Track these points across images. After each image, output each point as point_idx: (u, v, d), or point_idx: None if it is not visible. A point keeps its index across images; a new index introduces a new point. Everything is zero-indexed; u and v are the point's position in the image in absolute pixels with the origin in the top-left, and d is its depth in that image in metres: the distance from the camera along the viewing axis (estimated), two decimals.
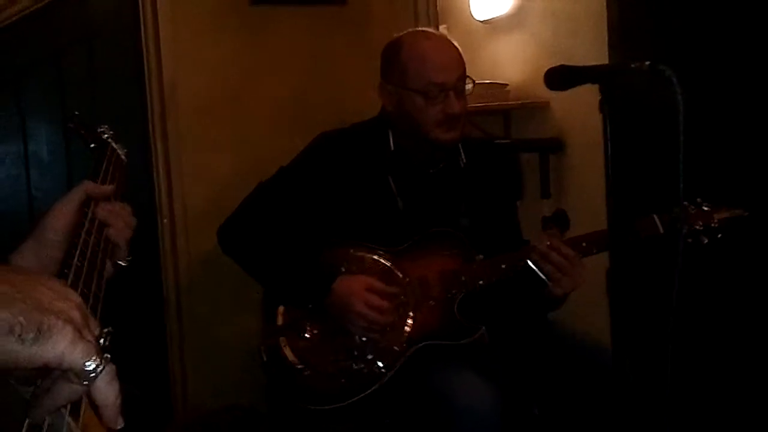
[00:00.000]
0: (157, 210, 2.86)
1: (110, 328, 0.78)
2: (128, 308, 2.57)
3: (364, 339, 1.97)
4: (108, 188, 1.27)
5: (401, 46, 2.05)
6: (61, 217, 1.19)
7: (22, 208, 2.75)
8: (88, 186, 1.24)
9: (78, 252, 1.04)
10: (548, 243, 1.90)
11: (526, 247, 1.98)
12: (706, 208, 1.94)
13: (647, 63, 1.49)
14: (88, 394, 0.74)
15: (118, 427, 0.76)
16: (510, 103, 3.26)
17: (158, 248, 2.87)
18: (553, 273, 1.88)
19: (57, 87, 2.78)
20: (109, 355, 0.74)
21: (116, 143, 1.47)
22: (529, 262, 1.91)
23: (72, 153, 2.77)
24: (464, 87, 2.03)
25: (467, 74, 2.04)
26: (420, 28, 2.24)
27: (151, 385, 2.81)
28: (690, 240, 1.88)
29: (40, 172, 2.78)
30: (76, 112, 1.57)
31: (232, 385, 2.87)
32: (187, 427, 2.84)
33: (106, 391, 0.73)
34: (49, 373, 0.73)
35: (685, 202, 1.89)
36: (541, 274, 1.89)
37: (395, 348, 1.96)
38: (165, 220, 2.86)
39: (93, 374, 0.71)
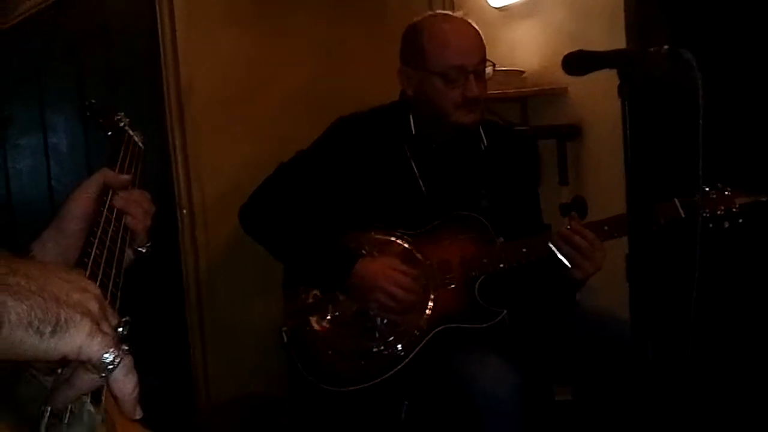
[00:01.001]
0: (175, 201, 2.88)
1: (128, 318, 0.79)
2: (149, 298, 2.59)
3: (384, 321, 1.98)
4: (126, 178, 1.27)
5: (422, 30, 2.05)
6: (80, 205, 1.20)
7: (42, 199, 2.77)
8: (106, 174, 1.24)
9: (97, 241, 1.05)
10: (569, 226, 1.90)
11: (547, 232, 1.98)
12: (727, 193, 1.92)
13: (666, 47, 1.48)
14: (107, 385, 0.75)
15: (137, 417, 0.77)
16: (527, 89, 3.24)
17: (177, 238, 2.89)
18: (574, 256, 1.88)
19: (75, 79, 2.79)
20: (127, 347, 0.74)
21: (133, 130, 1.47)
22: (551, 245, 1.91)
23: (91, 144, 2.79)
24: (484, 70, 2.02)
25: (488, 58, 2.03)
26: (440, 11, 2.23)
27: (173, 374, 2.83)
28: (711, 225, 1.87)
29: (60, 164, 2.80)
30: (93, 100, 1.58)
31: (253, 373, 2.89)
32: (209, 415, 2.86)
33: (124, 382, 0.74)
34: (69, 363, 0.74)
35: (706, 187, 1.88)
36: (562, 258, 1.89)
37: (416, 331, 1.96)
38: (184, 211, 2.88)
39: (111, 366, 0.72)
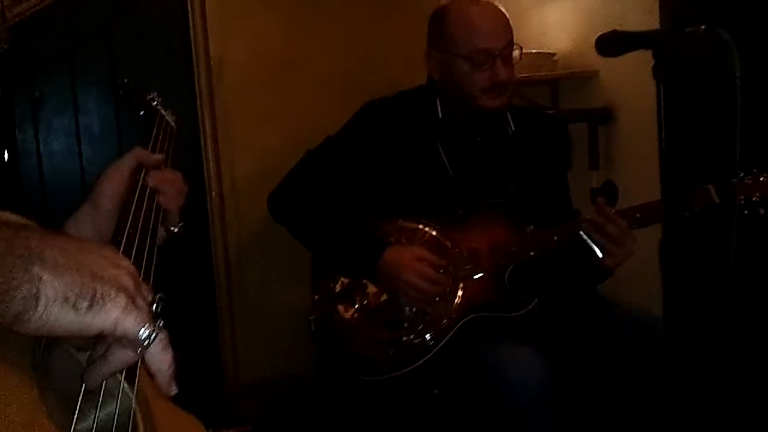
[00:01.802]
0: (206, 183, 2.90)
1: (162, 294, 0.79)
2: (179, 279, 2.62)
3: (413, 310, 1.97)
4: (159, 157, 1.28)
5: (448, 13, 2.03)
6: (114, 184, 1.20)
7: (74, 181, 2.80)
8: (139, 153, 1.25)
9: (130, 219, 1.06)
10: (601, 214, 1.88)
11: (578, 218, 1.96)
12: (762, 179, 1.89)
13: (703, 27, 1.45)
14: (143, 361, 0.75)
15: (173, 393, 0.77)
16: (558, 72, 3.21)
17: (207, 221, 2.91)
18: (606, 244, 1.86)
19: (107, 61, 2.81)
20: (162, 322, 0.74)
21: (166, 109, 1.48)
22: (582, 233, 1.89)
23: (123, 126, 2.81)
24: (511, 54, 2.00)
25: (515, 42, 2.01)
26: None
27: (202, 354, 2.85)
28: (746, 212, 1.84)
29: (92, 146, 2.82)
30: (126, 80, 1.59)
31: (282, 356, 2.91)
32: (238, 397, 2.88)
33: (160, 357, 0.74)
34: (104, 339, 0.74)
35: (742, 173, 1.84)
36: (593, 246, 1.87)
37: (445, 320, 1.96)
38: (214, 194, 2.89)
39: (146, 341, 0.72)
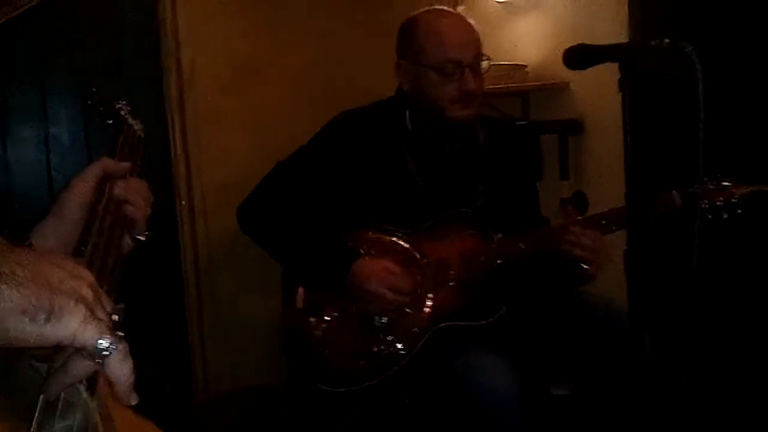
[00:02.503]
0: (175, 191, 2.88)
1: (123, 305, 0.79)
2: (148, 289, 2.60)
3: (383, 320, 1.97)
4: (125, 165, 1.27)
5: (417, 24, 2.05)
6: (79, 194, 1.19)
7: (42, 191, 2.77)
8: (105, 163, 1.24)
9: (96, 229, 1.05)
10: (570, 230, 1.90)
11: (545, 227, 1.98)
12: (725, 184, 1.93)
13: (667, 41, 1.47)
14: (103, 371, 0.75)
15: (132, 403, 0.77)
16: (529, 84, 3.24)
17: (177, 229, 2.89)
18: (586, 256, 1.89)
19: (77, 70, 2.79)
20: (122, 333, 0.74)
21: (134, 118, 1.47)
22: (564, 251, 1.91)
23: (92, 136, 2.79)
24: (480, 65, 2.02)
25: (484, 53, 2.03)
26: (436, 7, 2.22)
27: (172, 365, 2.83)
28: (710, 216, 1.87)
29: (61, 155, 2.80)
30: (93, 89, 1.58)
31: (253, 365, 2.90)
32: (207, 407, 2.86)
33: (119, 368, 0.74)
34: (63, 350, 0.74)
35: (705, 179, 1.87)
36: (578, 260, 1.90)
37: (415, 329, 1.96)
38: (183, 202, 2.88)
39: (106, 352, 0.72)
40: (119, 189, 1.20)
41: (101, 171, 1.23)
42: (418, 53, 2.02)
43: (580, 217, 1.93)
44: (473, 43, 2.01)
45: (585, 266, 1.89)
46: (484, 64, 2.02)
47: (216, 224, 2.86)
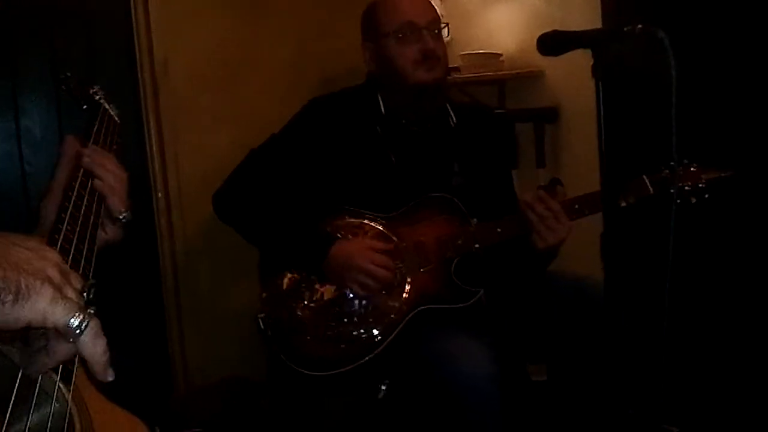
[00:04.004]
0: (151, 184, 2.86)
1: (93, 281, 0.78)
2: (126, 282, 2.58)
3: (363, 304, 1.98)
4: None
5: (375, 4, 2.13)
6: (57, 200, 1.17)
7: (15, 184, 2.73)
8: (69, 141, 1.23)
9: (68, 216, 1.04)
10: (535, 194, 1.92)
11: (521, 213, 1.99)
12: (693, 169, 1.96)
13: (639, 26, 1.48)
14: (81, 362, 0.74)
15: (109, 380, 0.77)
16: (504, 72, 3.25)
17: (154, 222, 2.87)
18: (536, 224, 1.91)
19: (49, 63, 2.75)
20: (93, 310, 0.74)
21: (109, 104, 1.46)
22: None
23: (65, 128, 2.75)
24: (439, 31, 2.07)
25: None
26: None
27: (150, 357, 2.82)
28: (679, 201, 1.90)
29: (33, 149, 2.76)
30: (68, 74, 1.56)
31: (232, 357, 2.89)
32: (187, 399, 2.85)
33: (93, 345, 0.74)
34: (34, 332, 0.73)
35: (672, 163, 1.90)
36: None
37: (394, 313, 1.97)
38: (159, 195, 2.86)
39: (78, 330, 0.72)
40: (85, 158, 1.18)
41: (72, 150, 1.21)
42: (377, 27, 2.08)
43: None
44: (426, 7, 2.09)
45: (530, 232, 1.91)
46: (444, 30, 2.09)
47: (193, 217, 2.85)
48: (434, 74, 2.04)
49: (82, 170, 1.18)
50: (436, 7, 2.15)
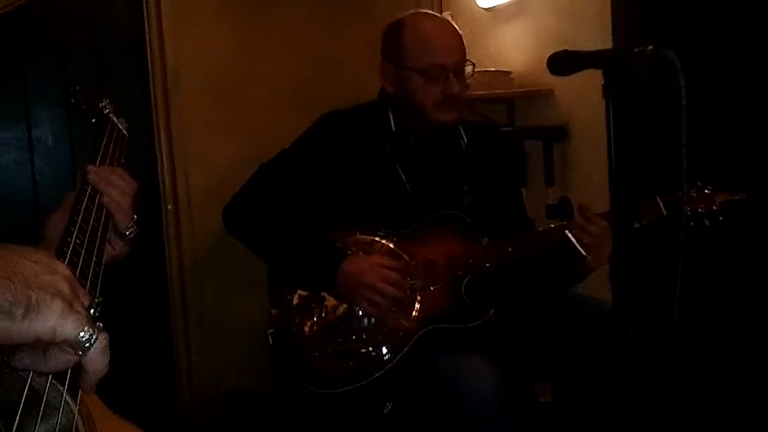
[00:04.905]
0: (161, 196, 2.87)
1: (100, 298, 0.78)
2: (133, 294, 2.59)
3: (372, 321, 1.97)
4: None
5: (403, 26, 2.06)
6: (66, 216, 1.18)
7: (26, 193, 2.76)
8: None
9: (76, 229, 1.04)
10: (582, 215, 1.91)
11: (532, 231, 1.98)
12: (707, 192, 1.94)
13: (650, 47, 1.48)
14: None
15: (90, 393, 0.76)
16: (514, 90, 3.25)
17: (162, 234, 2.88)
18: (592, 244, 1.88)
19: (61, 73, 2.78)
20: (101, 324, 0.74)
21: (118, 117, 1.46)
22: (567, 234, 1.91)
23: (75, 138, 2.77)
24: (464, 69, 2.04)
25: (468, 58, 2.04)
26: (421, 10, 2.24)
27: (156, 368, 2.82)
28: (692, 223, 1.89)
29: (44, 158, 2.78)
30: (77, 87, 1.57)
31: (238, 369, 2.89)
32: (192, 410, 2.85)
33: (99, 359, 0.74)
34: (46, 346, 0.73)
35: (687, 186, 1.89)
36: (579, 247, 1.89)
37: (403, 331, 1.96)
38: (169, 207, 2.87)
39: (87, 344, 0.72)
40: (92, 175, 1.18)
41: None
42: (403, 56, 2.03)
43: (564, 222, 1.93)
44: (457, 47, 2.03)
45: (585, 254, 1.88)
46: (468, 68, 2.04)
47: (201, 229, 2.86)
48: (453, 115, 2.03)
49: (90, 185, 1.18)
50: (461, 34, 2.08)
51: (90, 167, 1.20)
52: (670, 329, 1.43)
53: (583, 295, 2.09)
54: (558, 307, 2.07)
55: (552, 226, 2.02)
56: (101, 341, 0.73)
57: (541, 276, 2.03)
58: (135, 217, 1.23)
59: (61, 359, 0.73)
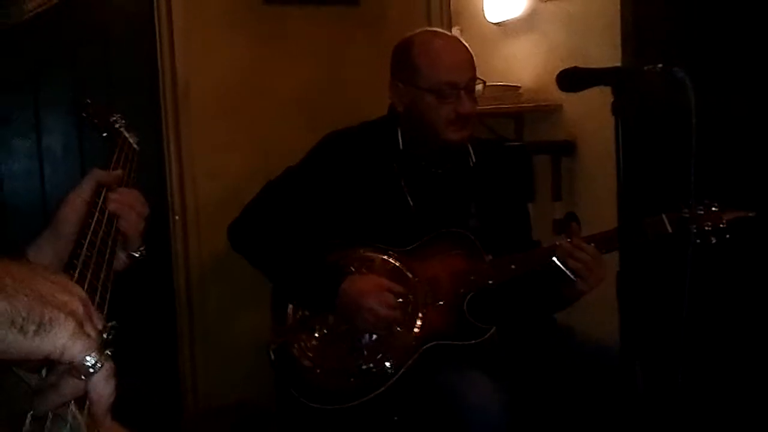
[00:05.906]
0: (169, 207, 2.88)
1: (114, 323, 0.79)
2: (139, 304, 2.59)
3: (373, 338, 1.97)
4: (118, 173, 1.28)
5: (412, 45, 2.05)
6: (75, 210, 1.20)
7: (35, 202, 2.76)
8: (97, 174, 1.25)
9: (87, 243, 1.05)
10: (570, 240, 1.90)
11: (536, 249, 1.98)
12: (714, 209, 1.93)
13: (660, 65, 1.49)
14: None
15: (106, 425, 0.76)
16: (522, 105, 3.27)
17: (170, 245, 2.89)
18: (581, 270, 1.87)
19: (72, 83, 2.79)
20: (110, 352, 0.74)
21: (129, 132, 1.47)
22: (555, 260, 1.90)
23: (85, 148, 2.78)
24: (474, 87, 2.03)
25: (478, 75, 2.04)
26: (431, 28, 2.24)
27: (161, 379, 2.82)
28: (699, 240, 1.88)
29: (54, 167, 2.79)
30: (89, 101, 1.58)
31: (242, 382, 2.88)
32: (196, 422, 2.85)
33: (102, 387, 0.73)
34: (53, 364, 0.73)
35: (695, 203, 1.88)
36: (567, 272, 1.89)
37: (405, 348, 1.96)
38: (177, 217, 2.88)
39: (91, 370, 0.72)
40: (113, 204, 1.20)
41: (95, 183, 1.23)
42: (413, 75, 2.03)
43: (569, 239, 1.92)
44: (468, 65, 2.03)
45: (573, 278, 1.88)
46: (478, 86, 2.04)
47: (209, 240, 2.86)
48: (463, 134, 2.03)
49: (102, 196, 1.19)
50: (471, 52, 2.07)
51: (110, 195, 1.21)
52: (679, 351, 1.43)
53: (586, 336, 2.08)
54: (559, 339, 2.07)
55: (544, 246, 2.03)
56: (106, 368, 0.73)
57: (537, 295, 2.02)
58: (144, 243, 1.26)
59: (72, 386, 0.73)
